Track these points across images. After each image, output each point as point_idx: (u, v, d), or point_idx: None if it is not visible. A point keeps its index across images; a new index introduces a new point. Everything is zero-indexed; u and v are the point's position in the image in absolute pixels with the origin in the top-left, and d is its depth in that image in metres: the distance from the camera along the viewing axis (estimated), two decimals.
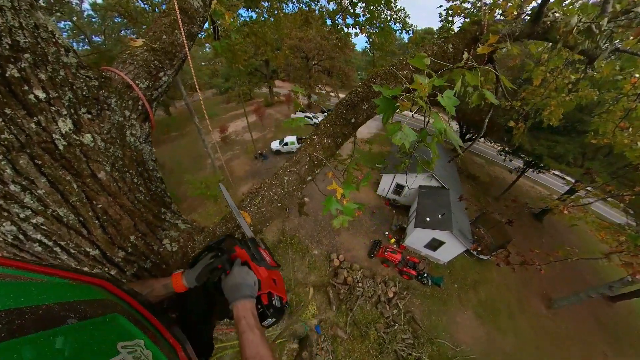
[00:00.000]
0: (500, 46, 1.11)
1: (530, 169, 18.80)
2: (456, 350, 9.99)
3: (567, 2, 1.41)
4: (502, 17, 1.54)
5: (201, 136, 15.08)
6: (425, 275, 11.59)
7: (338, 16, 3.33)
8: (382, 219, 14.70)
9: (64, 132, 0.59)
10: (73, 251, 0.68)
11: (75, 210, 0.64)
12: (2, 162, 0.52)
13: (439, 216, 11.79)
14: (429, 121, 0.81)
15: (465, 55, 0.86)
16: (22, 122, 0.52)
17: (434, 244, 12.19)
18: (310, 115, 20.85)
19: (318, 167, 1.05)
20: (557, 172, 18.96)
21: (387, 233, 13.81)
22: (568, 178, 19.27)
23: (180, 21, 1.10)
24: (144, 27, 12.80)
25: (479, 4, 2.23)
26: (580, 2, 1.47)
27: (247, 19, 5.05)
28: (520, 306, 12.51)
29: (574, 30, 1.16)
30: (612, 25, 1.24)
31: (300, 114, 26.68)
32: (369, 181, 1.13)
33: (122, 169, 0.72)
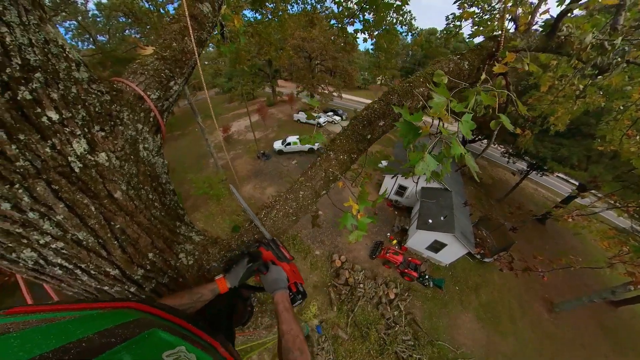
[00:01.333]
0: (516, 65, 1.11)
1: (534, 172, 18.66)
2: (457, 352, 9.97)
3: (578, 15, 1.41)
4: (513, 26, 1.54)
5: (204, 135, 15.14)
6: (427, 277, 11.57)
7: (346, 20, 3.32)
8: (384, 220, 14.68)
9: (79, 154, 0.59)
10: (93, 272, 0.69)
11: (94, 233, 0.64)
12: (19, 191, 0.51)
13: (442, 218, 11.76)
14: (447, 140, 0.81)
15: (483, 76, 0.87)
16: (36, 147, 0.51)
17: (436, 246, 12.16)
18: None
19: (333, 182, 1.06)
20: (561, 175, 18.80)
21: (388, 234, 13.79)
22: (572, 181, 19.12)
23: (190, 28, 1.09)
24: (148, 27, 12.85)
25: (488, 9, 2.22)
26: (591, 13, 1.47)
27: (252, 20, 5.06)
28: (521, 310, 12.45)
29: (588, 47, 1.16)
30: (626, 44, 1.23)
31: (302, 114, 26.68)
32: (383, 197, 1.15)
33: (137, 186, 0.72)
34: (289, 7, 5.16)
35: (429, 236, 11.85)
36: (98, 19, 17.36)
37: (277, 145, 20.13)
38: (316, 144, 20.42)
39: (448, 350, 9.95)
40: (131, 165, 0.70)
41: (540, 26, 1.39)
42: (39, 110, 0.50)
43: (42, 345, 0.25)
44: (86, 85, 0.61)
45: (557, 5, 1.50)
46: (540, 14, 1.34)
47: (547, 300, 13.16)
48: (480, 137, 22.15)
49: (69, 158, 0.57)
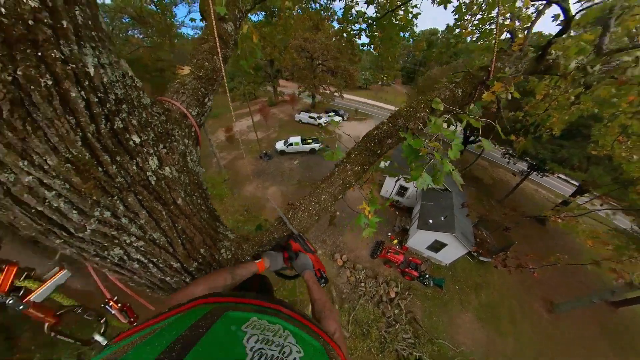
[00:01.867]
0: (502, 94, 1.26)
1: (535, 172, 18.75)
2: (456, 350, 10.10)
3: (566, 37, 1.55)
4: (510, 44, 1.68)
5: (207, 135, 15.30)
6: (427, 276, 11.70)
7: (354, 30, 3.47)
8: (385, 221, 14.81)
9: (153, 169, 0.73)
10: (161, 265, 0.85)
11: (164, 233, 0.80)
12: (117, 202, 0.66)
13: (442, 218, 11.88)
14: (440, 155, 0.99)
15: (475, 109, 1.03)
16: (127, 165, 0.65)
17: (436, 246, 12.29)
18: (315, 116, 21.10)
19: (348, 189, 1.23)
20: (561, 176, 18.89)
21: (389, 234, 13.93)
22: (573, 182, 19.19)
23: (218, 47, 1.23)
24: (152, 28, 12.99)
25: (489, 22, 2.35)
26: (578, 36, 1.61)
27: (255, 22, 5.18)
28: (521, 310, 12.55)
29: (572, 71, 1.31)
30: (604, 69, 1.38)
31: (304, 114, 26.82)
32: (389, 202, 1.31)
33: (190, 193, 0.87)
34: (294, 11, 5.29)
35: (430, 236, 11.98)
36: (105, 20, 17.51)
37: (279, 145, 20.26)
38: (317, 145, 20.55)
39: (448, 349, 10.08)
40: (185, 176, 0.84)
41: (532, 46, 1.53)
42: (127, 135, 0.64)
43: (154, 352, 0.32)
44: (150, 109, 0.74)
45: (553, 21, 1.64)
46: (533, 36, 1.48)
47: (547, 300, 13.24)
48: (480, 138, 22.13)
49: (147, 173, 0.71)
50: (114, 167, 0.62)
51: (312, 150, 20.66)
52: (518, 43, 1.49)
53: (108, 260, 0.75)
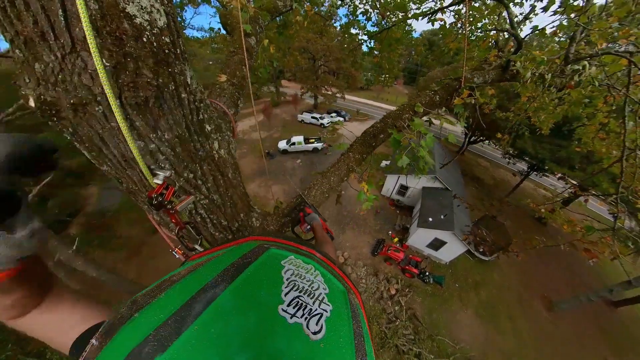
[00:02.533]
0: (469, 100, 1.55)
1: (534, 172, 18.90)
2: (456, 347, 10.28)
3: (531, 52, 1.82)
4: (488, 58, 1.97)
5: None
6: (427, 273, 11.90)
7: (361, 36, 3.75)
8: (386, 219, 15.04)
9: (216, 149, 1.00)
10: (215, 222, 1.11)
11: (220, 196, 1.06)
12: (197, 167, 0.92)
13: (441, 217, 12.09)
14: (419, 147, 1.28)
15: (459, 109, 1.31)
16: (204, 144, 0.92)
17: (436, 244, 12.49)
18: (317, 116, 21.26)
19: (351, 172, 1.50)
20: (560, 175, 19.00)
21: (390, 232, 14.15)
22: (573, 181, 19.27)
23: (246, 60, 1.50)
24: None
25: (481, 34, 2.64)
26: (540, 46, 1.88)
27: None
28: (520, 308, 12.69)
29: (530, 79, 1.58)
30: (556, 77, 1.63)
31: (306, 115, 27.12)
32: (376, 183, 1.59)
33: (234, 171, 1.16)
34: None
35: (430, 234, 12.19)
36: None
37: (282, 144, 20.54)
38: (319, 145, 20.82)
39: (447, 345, 10.26)
40: (231, 158, 1.13)
41: (500, 58, 1.82)
42: (204, 124, 0.92)
43: (215, 271, 0.40)
44: (210, 108, 1.02)
45: (544, 12, 1.87)
46: (508, 49, 1.75)
47: (546, 299, 13.37)
48: (482, 137, 22.40)
49: (213, 152, 0.99)
50: (199, 144, 0.90)
51: (315, 150, 20.93)
52: (493, 54, 1.77)
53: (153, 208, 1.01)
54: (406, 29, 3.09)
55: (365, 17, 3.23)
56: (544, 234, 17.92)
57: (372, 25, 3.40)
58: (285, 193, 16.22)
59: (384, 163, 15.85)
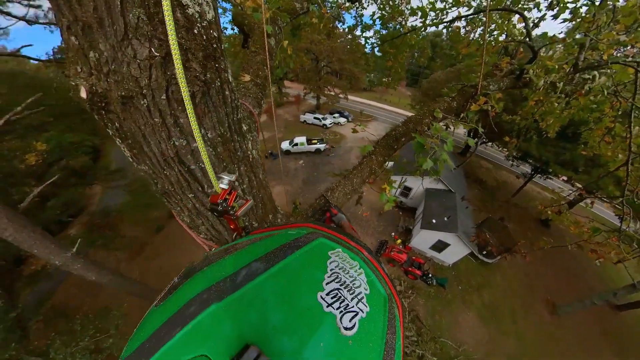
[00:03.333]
0: (485, 107, 1.60)
1: (538, 175, 18.82)
2: (458, 349, 10.26)
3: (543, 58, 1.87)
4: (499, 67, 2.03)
5: None
6: (430, 275, 11.88)
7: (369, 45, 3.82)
8: (389, 220, 15.04)
9: (250, 149, 0.99)
10: (247, 224, 1.08)
11: (253, 198, 1.06)
12: (236, 168, 0.91)
13: (445, 219, 12.07)
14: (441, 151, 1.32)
15: (471, 115, 1.37)
16: (241, 144, 0.91)
17: (439, 246, 12.48)
18: (320, 117, 21.28)
19: (373, 175, 1.56)
20: (565, 178, 18.92)
21: (393, 234, 14.15)
22: (578, 185, 19.17)
23: (268, 60, 1.55)
24: None
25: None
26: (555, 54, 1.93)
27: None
28: (523, 311, 12.63)
29: (543, 86, 1.64)
30: (568, 84, 1.69)
31: (309, 115, 27.18)
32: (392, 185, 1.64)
33: (263, 172, 1.17)
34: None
35: (433, 236, 12.17)
36: None
37: (285, 145, 20.60)
38: (322, 146, 20.87)
39: (450, 348, 10.24)
40: (259, 158, 1.14)
41: (517, 64, 1.87)
42: (241, 124, 0.92)
43: (271, 247, 0.44)
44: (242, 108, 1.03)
45: (553, 20, 1.93)
46: (519, 56, 1.82)
47: (549, 302, 13.30)
48: (484, 139, 22.32)
49: (249, 152, 0.98)
50: (237, 144, 0.89)
51: (317, 151, 20.97)
52: (505, 61, 1.83)
53: (215, 215, 1.03)
54: (421, 35, 3.14)
55: (380, 21, 3.28)
56: (547, 236, 17.76)
57: (382, 28, 3.46)
58: (288, 193, 16.27)
59: (389, 164, 15.90)
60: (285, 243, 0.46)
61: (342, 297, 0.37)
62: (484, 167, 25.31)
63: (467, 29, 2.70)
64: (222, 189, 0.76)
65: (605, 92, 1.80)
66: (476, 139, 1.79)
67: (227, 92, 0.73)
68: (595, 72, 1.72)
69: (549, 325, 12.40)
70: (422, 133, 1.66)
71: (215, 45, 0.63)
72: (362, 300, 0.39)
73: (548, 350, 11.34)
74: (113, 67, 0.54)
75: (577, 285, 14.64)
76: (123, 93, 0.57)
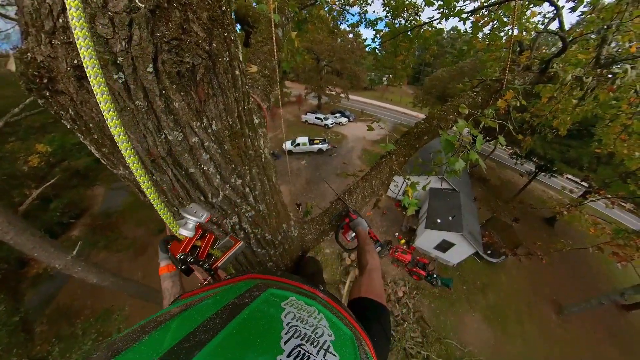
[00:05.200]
0: (513, 102, 1.50)
1: (542, 173, 18.62)
2: (464, 350, 10.14)
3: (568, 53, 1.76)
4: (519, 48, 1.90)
5: None
6: (435, 276, 11.72)
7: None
8: (393, 220, 14.92)
9: (262, 148, 0.82)
10: (259, 236, 0.96)
11: (266, 206, 0.90)
12: (247, 170, 0.72)
13: (450, 218, 11.94)
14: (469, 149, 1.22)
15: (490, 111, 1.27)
16: (254, 140, 0.73)
17: (444, 246, 12.34)
18: (321, 117, 21.27)
19: (394, 175, 1.44)
20: (570, 177, 18.74)
21: (397, 234, 14.02)
22: (583, 183, 18.99)
23: (275, 51, 1.43)
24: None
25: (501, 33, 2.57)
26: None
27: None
28: (529, 311, 12.48)
29: (570, 80, 1.54)
30: (595, 79, 1.60)
31: (310, 115, 27.07)
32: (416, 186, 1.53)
33: (275, 174, 1.00)
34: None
35: (437, 236, 12.05)
36: None
37: (287, 145, 20.52)
38: (324, 146, 20.75)
39: (455, 349, 10.13)
40: (271, 159, 0.98)
41: (537, 58, 1.77)
42: (252, 116, 0.74)
43: (208, 312, 0.37)
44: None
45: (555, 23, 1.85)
46: (539, 48, 1.70)
47: (555, 302, 13.13)
48: (489, 139, 22.11)
49: (261, 150, 0.81)
50: (249, 140, 0.71)
51: (320, 151, 20.86)
52: (526, 55, 1.73)
53: (221, 229, 0.82)
54: (438, 27, 3.02)
55: (391, 13, 3.13)
56: (551, 235, 17.64)
57: (392, 19, 3.32)
58: (291, 194, 16.18)
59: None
60: (227, 304, 0.39)
61: (307, 354, 0.32)
62: (487, 166, 25.01)
63: (485, 20, 2.57)
64: (184, 236, 0.59)
65: (638, 87, 1.68)
66: (490, 140, 1.68)
67: (237, 72, 0.56)
68: (627, 66, 1.60)
69: (555, 326, 12.24)
70: (447, 130, 1.53)
71: (224, 9, 0.48)
72: (330, 350, 0.35)
73: (554, 352, 11.18)
74: (61, 20, 0.35)
75: (583, 285, 14.46)
76: (78, 62, 0.38)
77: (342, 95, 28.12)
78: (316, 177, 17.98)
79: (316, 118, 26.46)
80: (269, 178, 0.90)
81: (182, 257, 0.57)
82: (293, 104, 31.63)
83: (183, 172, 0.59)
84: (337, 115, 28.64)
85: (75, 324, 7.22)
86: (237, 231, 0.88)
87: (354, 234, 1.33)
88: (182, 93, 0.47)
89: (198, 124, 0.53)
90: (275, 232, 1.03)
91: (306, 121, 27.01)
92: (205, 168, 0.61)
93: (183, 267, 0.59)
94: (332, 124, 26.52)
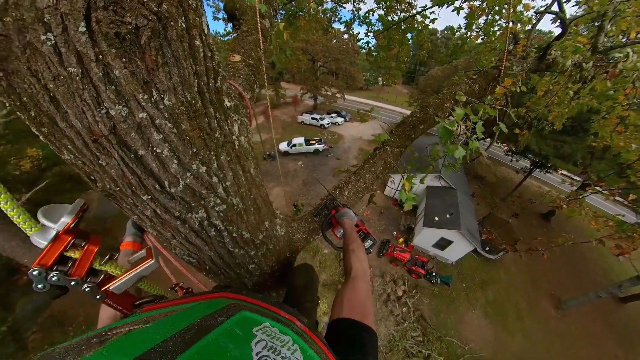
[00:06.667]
0: (512, 88, 1.45)
1: (538, 169, 18.79)
2: (465, 348, 10.12)
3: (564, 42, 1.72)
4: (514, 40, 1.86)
5: None
6: (434, 274, 11.74)
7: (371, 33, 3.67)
8: (391, 219, 14.89)
9: (236, 134, 0.73)
10: (234, 235, 0.85)
11: (242, 199, 0.80)
12: (213, 157, 0.64)
13: (447, 216, 11.95)
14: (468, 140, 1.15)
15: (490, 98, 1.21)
16: (223, 123, 0.65)
17: (442, 243, 12.35)
18: (317, 117, 21.26)
19: (388, 169, 1.36)
20: (565, 172, 18.92)
21: (395, 233, 14.00)
22: (576, 178, 19.20)
23: (260, 41, 1.32)
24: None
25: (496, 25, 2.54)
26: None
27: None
28: (528, 307, 12.54)
29: (569, 68, 1.49)
30: (595, 66, 1.56)
31: (306, 116, 27.03)
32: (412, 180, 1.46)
33: (256, 166, 0.90)
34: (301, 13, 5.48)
35: (436, 233, 12.05)
36: None
37: (283, 146, 20.42)
38: (320, 146, 20.70)
39: (456, 346, 10.11)
40: (251, 149, 0.87)
41: (534, 47, 1.72)
42: (222, 96, 0.64)
43: (170, 331, 0.33)
44: (225, 81, 0.74)
45: (552, 23, 1.80)
46: (535, 39, 1.66)
47: (554, 297, 13.22)
48: (484, 137, 22.31)
49: (233, 136, 0.72)
50: (215, 121, 0.62)
51: (316, 151, 20.80)
52: (522, 44, 1.68)
53: (187, 225, 0.73)
54: (427, 19, 2.98)
55: (385, 10, 3.07)
56: (548, 230, 17.77)
57: (386, 15, 3.27)
58: (287, 195, 16.09)
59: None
60: (192, 324, 0.35)
61: None
62: (483, 164, 25.26)
63: (479, 8, 2.53)
64: (42, 245, 0.47)
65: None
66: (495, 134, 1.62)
67: (197, 42, 0.50)
68: (629, 50, 1.56)
69: (555, 320, 12.31)
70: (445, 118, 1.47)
71: None
72: None
73: (554, 346, 11.24)
74: None
75: (581, 279, 14.58)
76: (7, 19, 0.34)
77: (338, 95, 28.15)
78: (313, 177, 17.92)
79: (312, 118, 26.43)
80: (244, 169, 0.81)
81: (36, 272, 0.43)
82: (289, 105, 31.56)
83: (132, 155, 0.52)
84: (334, 115, 28.64)
85: (68, 332, 7.04)
86: (207, 228, 0.78)
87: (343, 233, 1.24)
88: (123, 59, 0.41)
89: (146, 96, 0.46)
90: (256, 230, 0.93)
91: (302, 122, 26.96)
92: (158, 150, 0.54)
93: (40, 286, 0.46)
94: (328, 124, 26.50)
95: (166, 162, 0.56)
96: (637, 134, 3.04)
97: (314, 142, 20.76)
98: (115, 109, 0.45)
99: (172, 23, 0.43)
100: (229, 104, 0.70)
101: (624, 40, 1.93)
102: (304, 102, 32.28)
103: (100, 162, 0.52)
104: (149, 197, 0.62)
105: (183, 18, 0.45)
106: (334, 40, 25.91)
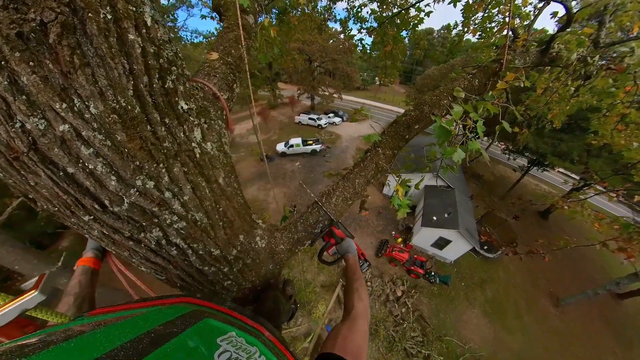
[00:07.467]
0: (515, 83, 1.37)
1: (535, 167, 18.82)
2: (464, 347, 10.08)
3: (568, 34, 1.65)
4: (512, 36, 1.78)
5: None
6: (433, 273, 11.70)
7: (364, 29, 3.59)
8: (389, 219, 14.84)
9: (198, 141, 0.65)
10: (201, 252, 0.76)
11: (207, 214, 0.71)
12: (162, 170, 0.56)
13: (445, 215, 11.92)
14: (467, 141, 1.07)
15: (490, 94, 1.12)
16: (175, 130, 0.57)
17: (441, 243, 12.31)
18: (315, 117, 21.19)
19: (381, 172, 1.28)
20: (562, 170, 18.99)
21: (393, 233, 13.95)
22: (573, 176, 19.27)
23: (242, 37, 1.23)
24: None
25: (493, 20, 2.46)
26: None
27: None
28: (527, 305, 12.54)
29: (574, 62, 1.41)
30: (601, 60, 1.49)
31: (304, 116, 26.94)
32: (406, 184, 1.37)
33: (228, 174, 0.81)
34: (295, 11, 5.38)
35: (434, 233, 12.01)
36: None
37: (280, 147, 20.32)
38: (318, 147, 20.62)
39: (456, 346, 10.07)
40: (223, 156, 0.79)
41: (535, 41, 1.65)
42: (176, 98, 0.57)
43: (122, 338, 0.29)
44: (190, 82, 0.67)
45: (551, 18, 1.74)
46: (535, 34, 1.59)
47: (553, 295, 13.23)
48: (483, 134, 22.34)
49: (193, 144, 0.64)
50: (163, 128, 0.54)
51: (314, 152, 20.72)
52: (522, 39, 1.60)
53: (143, 245, 0.66)
54: (422, 12, 2.89)
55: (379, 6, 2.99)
56: (546, 229, 17.80)
57: (380, 11, 3.18)
58: (285, 196, 15.99)
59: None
60: (149, 330, 0.32)
61: None
62: (480, 162, 25.30)
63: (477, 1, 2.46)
64: None
65: None
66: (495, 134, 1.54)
67: (131, 36, 0.43)
68: (634, 44, 1.50)
69: (554, 318, 12.32)
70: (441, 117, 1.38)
71: None
72: None
73: (553, 344, 11.24)
74: None
75: (579, 276, 14.62)
76: None
77: (335, 95, 28.08)
78: (310, 178, 17.82)
79: (310, 119, 26.34)
80: (209, 179, 0.72)
81: None
82: (286, 106, 31.46)
83: (61, 173, 0.46)
84: (331, 115, 28.58)
85: None
86: (166, 247, 0.69)
87: (339, 255, 1.17)
88: (30, 63, 0.35)
89: (64, 105, 0.39)
90: (228, 246, 0.84)
91: (300, 122, 26.88)
92: (90, 166, 0.47)
93: None
94: (325, 124, 26.42)
95: (102, 179, 0.49)
96: (638, 132, 2.99)
97: (311, 142, 20.68)
98: (30, 122, 0.38)
99: (90, 15, 0.36)
100: (186, 106, 0.61)
101: (622, 36, 1.88)
102: (301, 103, 32.18)
103: (29, 181, 0.46)
104: (91, 217, 0.55)
105: (108, 8, 0.38)
106: (331, 41, 25.86)
